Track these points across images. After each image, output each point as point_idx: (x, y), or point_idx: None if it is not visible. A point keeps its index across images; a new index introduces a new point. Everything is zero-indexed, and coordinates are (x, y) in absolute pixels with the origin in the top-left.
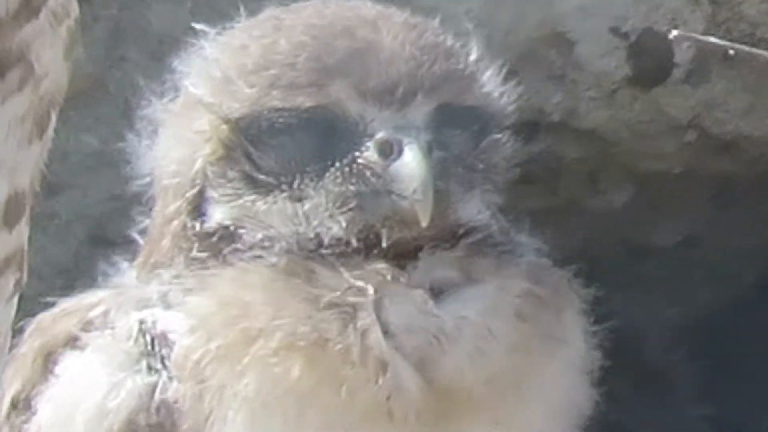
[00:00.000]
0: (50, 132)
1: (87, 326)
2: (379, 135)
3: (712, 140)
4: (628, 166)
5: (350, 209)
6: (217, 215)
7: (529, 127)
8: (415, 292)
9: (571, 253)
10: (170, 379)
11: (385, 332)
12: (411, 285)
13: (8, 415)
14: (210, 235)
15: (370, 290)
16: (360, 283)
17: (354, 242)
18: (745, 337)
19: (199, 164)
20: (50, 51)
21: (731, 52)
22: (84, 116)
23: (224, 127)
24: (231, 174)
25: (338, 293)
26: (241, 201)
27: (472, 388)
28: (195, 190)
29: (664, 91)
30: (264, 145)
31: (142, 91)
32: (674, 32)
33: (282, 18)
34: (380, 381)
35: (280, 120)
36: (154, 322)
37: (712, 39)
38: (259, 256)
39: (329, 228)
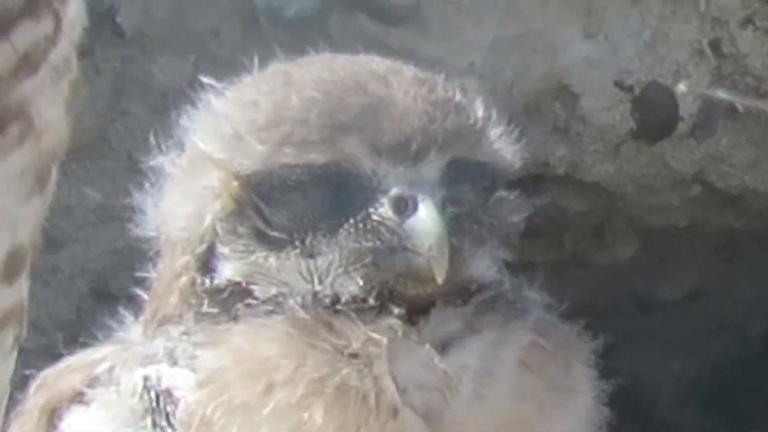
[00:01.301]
0: (51, 186)
1: (92, 382)
2: (394, 191)
3: (718, 194)
4: (633, 220)
5: (365, 266)
6: (228, 271)
7: (533, 180)
8: (423, 348)
9: (577, 306)
10: None
11: (395, 385)
12: (420, 341)
13: None
14: (220, 291)
15: (384, 341)
16: (375, 335)
17: (368, 298)
18: (754, 389)
19: (208, 220)
20: (51, 106)
21: (739, 106)
22: (87, 170)
23: (235, 183)
24: (241, 230)
25: (359, 344)
26: (252, 257)
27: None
28: (204, 246)
29: (669, 145)
30: (275, 202)
31: (146, 145)
32: (681, 86)
33: (291, 73)
34: (390, 427)
35: (292, 177)
36: (159, 379)
37: (720, 93)
38: (273, 312)
39: (343, 284)
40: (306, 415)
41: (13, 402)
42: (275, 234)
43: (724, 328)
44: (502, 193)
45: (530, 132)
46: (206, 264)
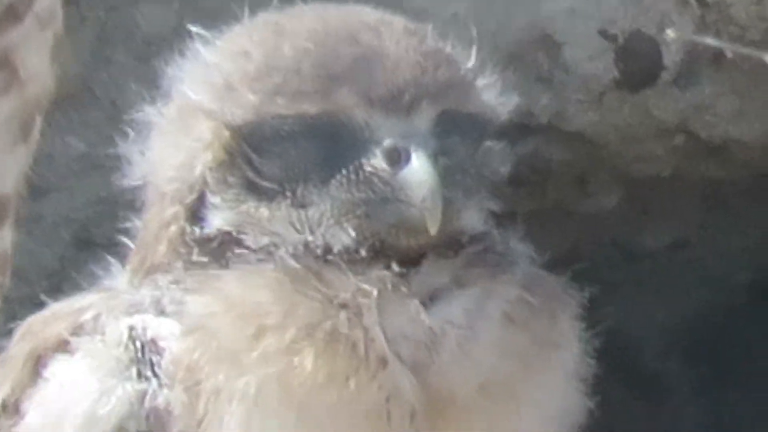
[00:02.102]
0: (35, 135)
1: (77, 330)
2: (387, 142)
3: (701, 144)
4: (616, 169)
5: (357, 217)
6: (218, 221)
7: (516, 129)
8: (411, 301)
9: (560, 256)
10: (160, 386)
11: (384, 336)
12: (410, 294)
13: None
14: (210, 240)
15: (374, 293)
16: (365, 286)
17: (360, 250)
18: (736, 338)
19: (198, 170)
20: (36, 55)
21: (728, 53)
22: (70, 119)
23: (226, 133)
24: (232, 180)
25: (348, 294)
26: (243, 207)
27: (463, 392)
28: (194, 196)
29: (653, 94)
30: (267, 152)
31: (130, 94)
32: (669, 32)
33: (282, 23)
34: (380, 377)
35: (284, 127)
36: (144, 329)
37: (708, 39)
38: (263, 261)
39: (335, 235)
40: (296, 359)
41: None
42: (266, 184)
43: (707, 277)
44: (489, 143)
45: (513, 81)
46: (196, 213)
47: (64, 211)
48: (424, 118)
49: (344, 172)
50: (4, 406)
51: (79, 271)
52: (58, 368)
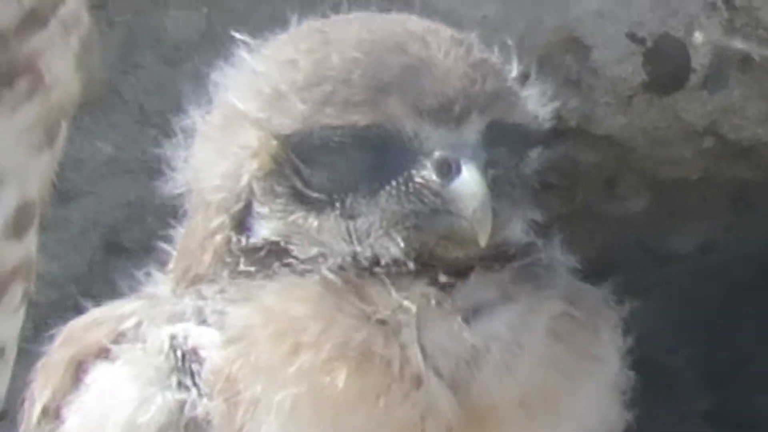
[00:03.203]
0: (61, 141)
1: (118, 338)
2: (437, 154)
3: (730, 146)
4: (645, 172)
5: (406, 228)
6: (265, 231)
7: (545, 132)
8: (454, 317)
9: (588, 258)
10: (200, 396)
11: (423, 353)
12: (453, 309)
13: (38, 423)
14: (257, 250)
15: (413, 309)
16: (406, 302)
17: (407, 261)
18: (764, 342)
19: (245, 179)
20: (60, 61)
21: (756, 57)
22: (98, 123)
23: (274, 143)
24: (280, 190)
25: (388, 311)
26: (291, 217)
27: (503, 408)
28: (240, 205)
29: (681, 97)
30: (316, 162)
31: (158, 98)
32: (697, 35)
33: (328, 32)
34: (413, 396)
35: (334, 137)
36: (185, 338)
37: (736, 43)
38: (310, 271)
39: (383, 246)
40: (328, 378)
41: (24, 356)
42: (315, 194)
43: (735, 281)
44: (532, 153)
45: (541, 84)
46: (242, 223)
47: (93, 216)
48: (473, 129)
49: (394, 183)
50: (45, 411)
51: (108, 275)
52: (99, 375)
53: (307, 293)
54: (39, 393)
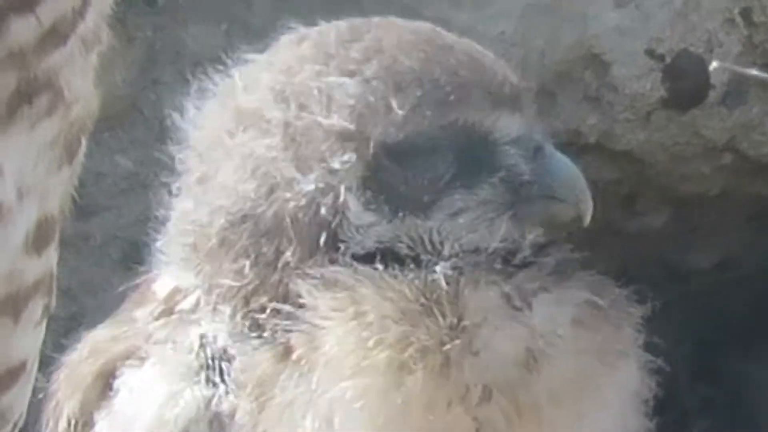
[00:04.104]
0: (80, 157)
1: (148, 339)
2: (530, 140)
3: (749, 162)
4: (664, 188)
5: (509, 218)
6: (370, 239)
7: (564, 148)
8: (521, 317)
9: (608, 275)
10: (227, 392)
11: (477, 353)
12: (517, 306)
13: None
14: (368, 258)
15: (490, 317)
16: (486, 305)
17: (510, 253)
18: None
19: (342, 193)
20: (80, 77)
21: None
22: (118, 138)
23: (371, 152)
24: (380, 197)
25: (470, 321)
26: (394, 222)
27: (544, 403)
28: (338, 219)
29: (700, 114)
30: (413, 165)
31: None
32: (714, 64)
33: (371, 38)
34: (481, 408)
35: (430, 138)
36: (215, 337)
37: (754, 71)
38: (414, 270)
39: (485, 240)
40: (406, 378)
41: (44, 368)
42: (414, 196)
43: (754, 296)
44: None
45: (561, 101)
46: (336, 236)
47: (112, 230)
48: (530, 117)
49: (488, 174)
50: (75, 424)
51: (128, 290)
52: (128, 378)
53: (398, 293)
54: (65, 403)
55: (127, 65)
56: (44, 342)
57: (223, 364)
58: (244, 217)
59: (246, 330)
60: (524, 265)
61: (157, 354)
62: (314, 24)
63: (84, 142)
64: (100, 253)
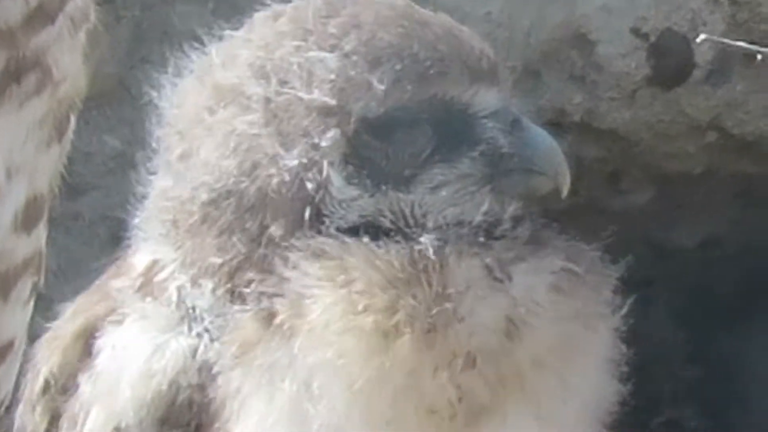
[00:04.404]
0: (69, 135)
1: (127, 298)
2: (506, 113)
3: (733, 140)
4: (649, 167)
5: (489, 191)
6: (353, 213)
7: (550, 127)
8: (501, 287)
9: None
10: (211, 341)
11: (462, 320)
12: (497, 277)
13: (43, 394)
14: (352, 231)
15: (475, 289)
16: (471, 275)
17: (492, 226)
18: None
19: (325, 168)
20: (69, 55)
21: (759, 57)
22: (106, 117)
23: (353, 127)
24: (362, 172)
25: (455, 288)
26: (376, 196)
27: (527, 371)
28: (321, 194)
29: (685, 92)
30: (394, 139)
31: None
32: (702, 36)
33: (345, 14)
34: (462, 376)
35: (410, 113)
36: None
37: (739, 43)
38: (399, 242)
39: (467, 213)
40: (395, 342)
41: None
42: (397, 171)
43: (738, 274)
44: None
45: (546, 80)
46: (320, 212)
47: (101, 210)
48: (507, 90)
49: (468, 147)
50: (55, 384)
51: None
52: (110, 335)
53: (385, 263)
54: (43, 364)
55: (114, 44)
56: (32, 321)
57: (205, 313)
58: (228, 193)
59: (228, 303)
60: (503, 236)
61: (138, 310)
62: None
63: (73, 120)
64: (89, 232)
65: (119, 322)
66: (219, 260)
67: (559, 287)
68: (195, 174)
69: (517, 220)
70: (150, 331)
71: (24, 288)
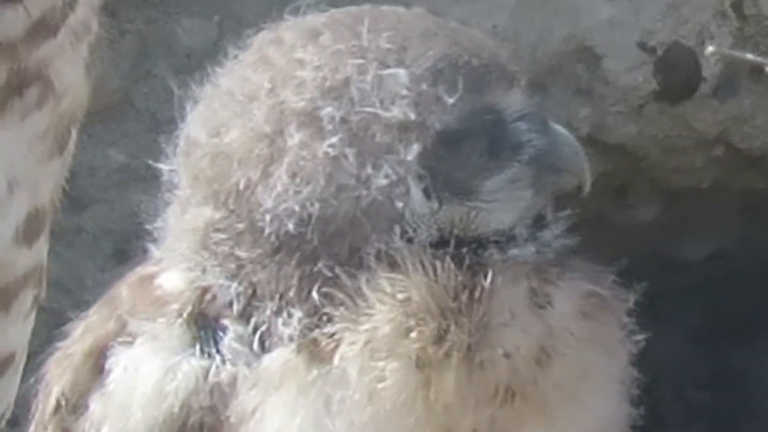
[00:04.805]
0: (71, 149)
1: (138, 317)
2: (537, 114)
3: (740, 155)
4: (656, 181)
5: (535, 194)
6: (430, 229)
7: None
8: (541, 320)
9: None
10: (223, 362)
11: (507, 356)
12: (540, 303)
13: (54, 414)
14: (441, 245)
15: (514, 314)
16: (513, 300)
17: (532, 234)
18: None
19: (410, 183)
20: (71, 69)
21: (767, 69)
22: (110, 131)
23: (430, 140)
24: (438, 186)
25: (501, 317)
26: (448, 209)
27: (549, 395)
28: (404, 209)
29: (692, 106)
30: (461, 151)
31: (170, 107)
32: (710, 48)
33: (389, 27)
34: (507, 409)
35: (474, 121)
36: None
37: (747, 55)
38: (461, 258)
39: (524, 218)
40: (444, 373)
41: (35, 362)
42: (463, 184)
43: (745, 288)
44: None
45: (553, 93)
46: (405, 228)
47: (105, 224)
48: (528, 93)
49: (513, 153)
50: (66, 404)
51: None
52: (121, 356)
53: (443, 291)
54: (54, 384)
55: (119, 58)
56: (35, 335)
57: (217, 335)
58: (311, 219)
59: (315, 328)
60: (544, 249)
61: (148, 330)
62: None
63: (74, 133)
64: (93, 246)
65: (130, 342)
66: (304, 288)
67: (587, 313)
68: (261, 203)
69: (555, 230)
70: (162, 352)
71: (25, 301)
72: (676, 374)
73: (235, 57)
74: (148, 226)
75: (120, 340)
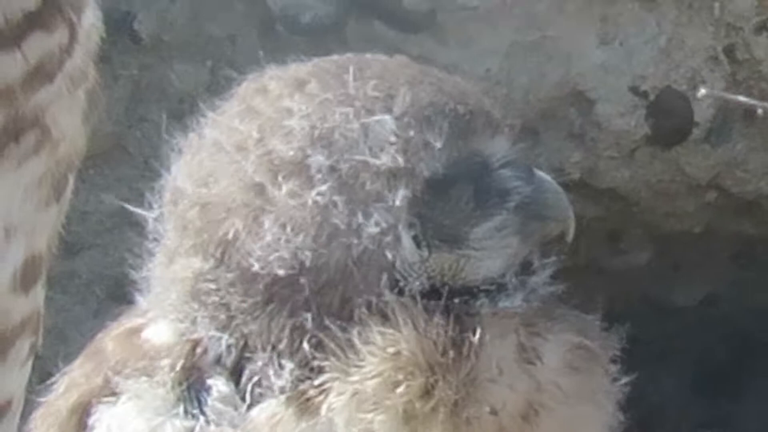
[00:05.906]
0: (68, 195)
1: (122, 375)
2: (522, 162)
3: (733, 200)
4: (648, 226)
5: (521, 242)
6: (421, 278)
7: None
8: (526, 364)
9: (591, 312)
10: (207, 423)
11: (494, 412)
12: (528, 358)
13: None
14: (431, 294)
15: (503, 368)
16: (501, 354)
17: (519, 284)
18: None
19: (401, 231)
20: (68, 115)
21: (760, 111)
22: (104, 176)
23: (418, 188)
24: (428, 234)
25: (489, 372)
26: (436, 257)
27: None
28: (397, 261)
29: (684, 151)
30: (449, 198)
31: (164, 152)
32: (702, 90)
33: (374, 75)
34: None
35: (460, 168)
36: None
37: (740, 97)
38: (449, 309)
39: (512, 266)
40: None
41: (30, 408)
42: (451, 232)
43: (737, 334)
44: None
45: (545, 138)
46: (394, 276)
47: (98, 269)
48: (512, 140)
49: (500, 200)
50: None
51: None
52: (104, 414)
53: (432, 346)
54: None
55: (112, 103)
56: (30, 381)
57: (201, 395)
58: (304, 270)
59: (305, 379)
60: (531, 296)
61: (132, 389)
62: (298, 59)
63: (71, 179)
64: (86, 291)
65: (113, 401)
66: (296, 340)
67: (575, 367)
68: (251, 253)
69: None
70: (145, 412)
71: (22, 348)
72: (666, 419)
73: (218, 108)
74: (134, 276)
75: (104, 398)
